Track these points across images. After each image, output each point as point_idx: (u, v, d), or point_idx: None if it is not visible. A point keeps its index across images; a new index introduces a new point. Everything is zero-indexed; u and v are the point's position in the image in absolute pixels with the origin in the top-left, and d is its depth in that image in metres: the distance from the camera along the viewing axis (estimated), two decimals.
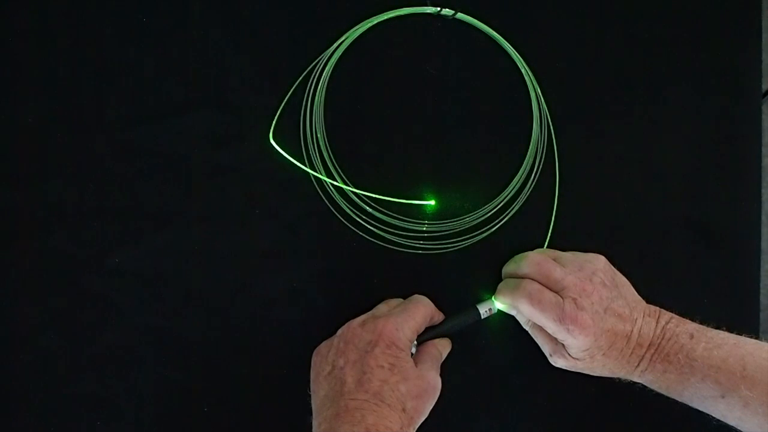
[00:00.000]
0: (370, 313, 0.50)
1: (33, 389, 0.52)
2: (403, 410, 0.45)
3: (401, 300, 0.52)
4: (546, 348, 0.52)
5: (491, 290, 0.53)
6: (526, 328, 0.53)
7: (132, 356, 0.53)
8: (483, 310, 0.52)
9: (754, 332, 0.57)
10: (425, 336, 0.51)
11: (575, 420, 0.56)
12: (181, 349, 0.53)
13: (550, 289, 0.49)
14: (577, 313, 0.47)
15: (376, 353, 0.45)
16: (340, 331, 0.48)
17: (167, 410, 0.53)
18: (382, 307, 0.51)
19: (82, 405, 0.52)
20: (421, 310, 0.49)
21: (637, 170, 0.59)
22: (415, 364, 0.47)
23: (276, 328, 0.54)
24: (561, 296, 0.48)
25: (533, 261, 0.50)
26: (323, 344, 0.49)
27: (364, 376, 0.44)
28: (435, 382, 0.48)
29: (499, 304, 0.52)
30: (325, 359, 0.47)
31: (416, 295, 0.51)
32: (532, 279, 0.50)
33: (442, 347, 0.51)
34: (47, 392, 0.52)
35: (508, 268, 0.54)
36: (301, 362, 0.53)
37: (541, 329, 0.51)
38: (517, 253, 0.54)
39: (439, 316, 0.52)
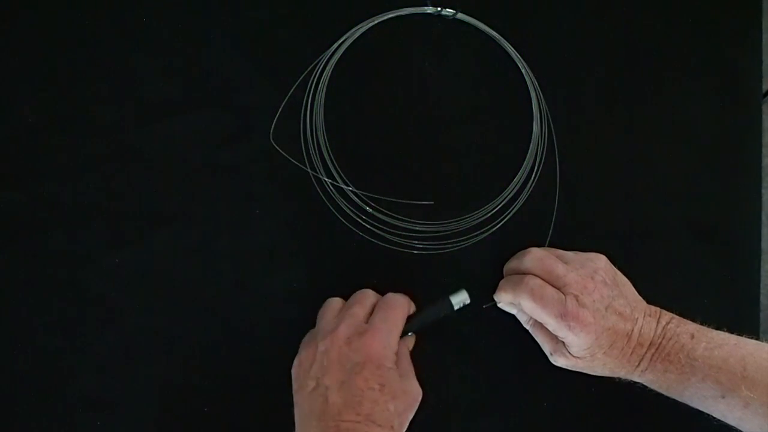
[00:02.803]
0: (347, 318, 0.47)
1: (33, 389, 0.52)
2: (392, 428, 0.44)
3: (373, 295, 0.50)
4: (546, 347, 0.52)
5: (490, 290, 0.53)
6: (527, 326, 0.53)
7: (132, 356, 0.53)
8: (456, 301, 0.51)
9: (754, 333, 0.57)
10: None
11: (575, 420, 0.56)
12: (181, 349, 0.53)
13: (552, 286, 0.49)
14: (578, 310, 0.47)
15: (366, 375, 0.44)
16: (322, 345, 0.46)
17: (167, 410, 0.53)
18: (356, 310, 0.48)
19: (82, 405, 0.52)
20: (401, 314, 0.48)
21: (637, 170, 0.59)
22: None
23: (276, 328, 0.54)
24: (563, 293, 0.48)
25: (536, 257, 0.51)
26: (304, 354, 0.47)
27: (354, 398, 0.44)
28: (417, 392, 0.47)
29: (500, 303, 0.52)
30: (307, 374, 0.46)
31: (391, 296, 0.49)
32: (535, 275, 0.50)
33: (410, 344, 0.51)
34: (47, 392, 0.52)
35: (510, 264, 0.54)
36: None
37: (541, 327, 0.51)
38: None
39: (412, 308, 0.50)
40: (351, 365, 0.44)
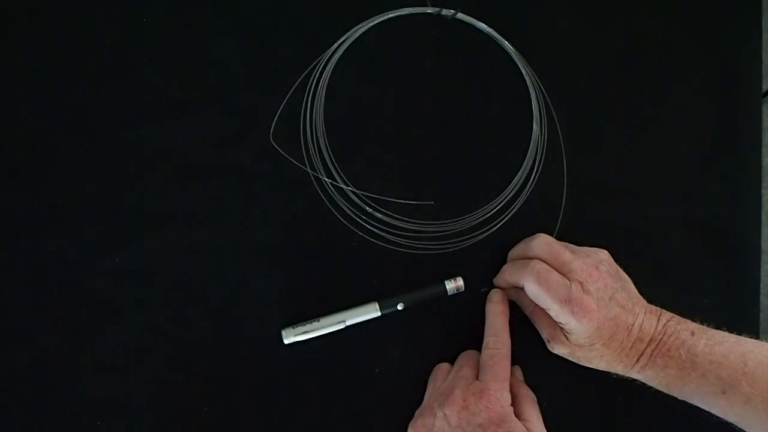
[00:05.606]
0: (460, 381, 0.49)
1: (33, 389, 0.52)
2: None
3: (477, 353, 0.52)
4: (545, 333, 0.52)
5: (490, 287, 0.55)
6: (526, 312, 0.53)
7: (132, 356, 0.53)
8: (450, 287, 0.54)
9: (754, 332, 0.57)
10: (391, 301, 0.53)
11: (575, 420, 0.56)
12: (181, 349, 0.53)
13: (558, 272, 0.49)
14: (583, 296, 0.47)
15: None
16: (440, 411, 0.48)
17: (167, 410, 0.53)
18: (466, 372, 0.50)
19: (82, 405, 0.52)
20: (507, 367, 0.50)
21: (637, 170, 0.59)
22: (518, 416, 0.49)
23: (275, 328, 0.54)
24: (568, 279, 0.48)
25: (543, 241, 0.51)
26: (420, 421, 0.49)
27: None
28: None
29: (499, 287, 0.54)
30: None
31: (494, 349, 0.51)
32: (541, 260, 0.50)
33: (519, 375, 0.54)
34: (47, 392, 0.52)
35: (517, 249, 0.54)
36: (300, 362, 0.54)
37: (541, 313, 0.51)
38: None
39: (519, 373, 0.54)
40: (473, 427, 0.46)
